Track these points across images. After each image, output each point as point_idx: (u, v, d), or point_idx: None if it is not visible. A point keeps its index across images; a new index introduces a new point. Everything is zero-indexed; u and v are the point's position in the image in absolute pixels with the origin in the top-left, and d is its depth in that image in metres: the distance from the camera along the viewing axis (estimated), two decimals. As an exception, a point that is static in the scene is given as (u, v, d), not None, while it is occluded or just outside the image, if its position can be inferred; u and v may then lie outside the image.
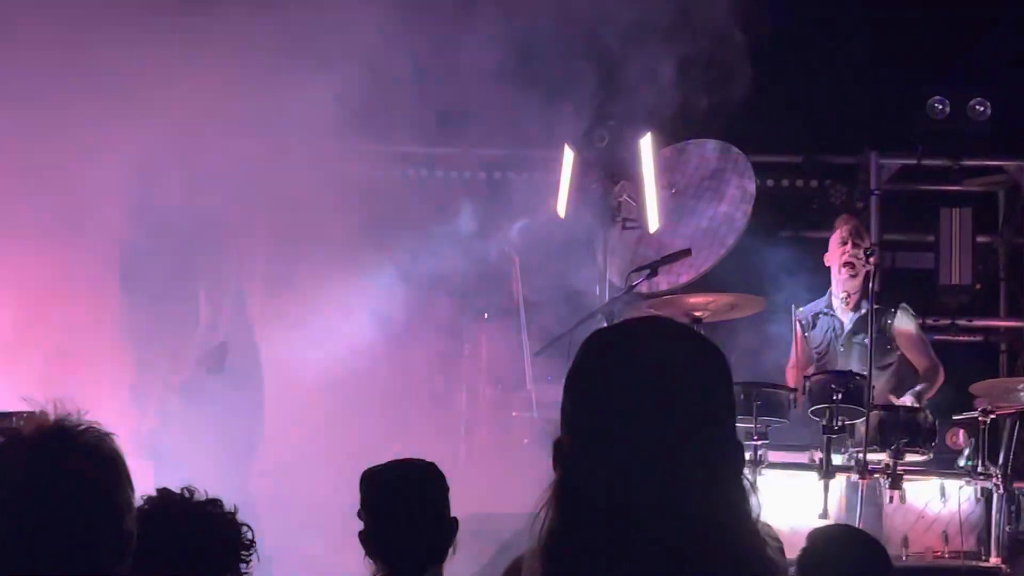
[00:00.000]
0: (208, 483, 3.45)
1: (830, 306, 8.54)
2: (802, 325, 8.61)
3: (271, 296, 9.48)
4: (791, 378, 8.49)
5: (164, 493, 3.29)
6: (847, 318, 8.47)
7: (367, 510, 4.13)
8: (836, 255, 8.45)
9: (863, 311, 8.29)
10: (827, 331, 8.53)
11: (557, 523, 2.10)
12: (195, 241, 8.28)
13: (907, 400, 8.14)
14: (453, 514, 4.18)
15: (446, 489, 4.15)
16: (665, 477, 2.06)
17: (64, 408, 2.54)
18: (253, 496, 8.24)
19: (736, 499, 2.09)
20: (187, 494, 3.28)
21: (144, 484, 2.88)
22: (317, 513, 7.49)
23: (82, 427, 2.54)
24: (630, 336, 2.20)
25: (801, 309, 8.64)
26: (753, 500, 2.11)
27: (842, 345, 8.46)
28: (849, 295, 8.44)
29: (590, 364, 2.16)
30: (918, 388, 8.27)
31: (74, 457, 2.50)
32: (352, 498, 4.23)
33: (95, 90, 7.96)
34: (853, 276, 8.38)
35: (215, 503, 3.29)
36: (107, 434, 2.56)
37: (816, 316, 8.58)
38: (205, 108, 8.07)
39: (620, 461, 2.06)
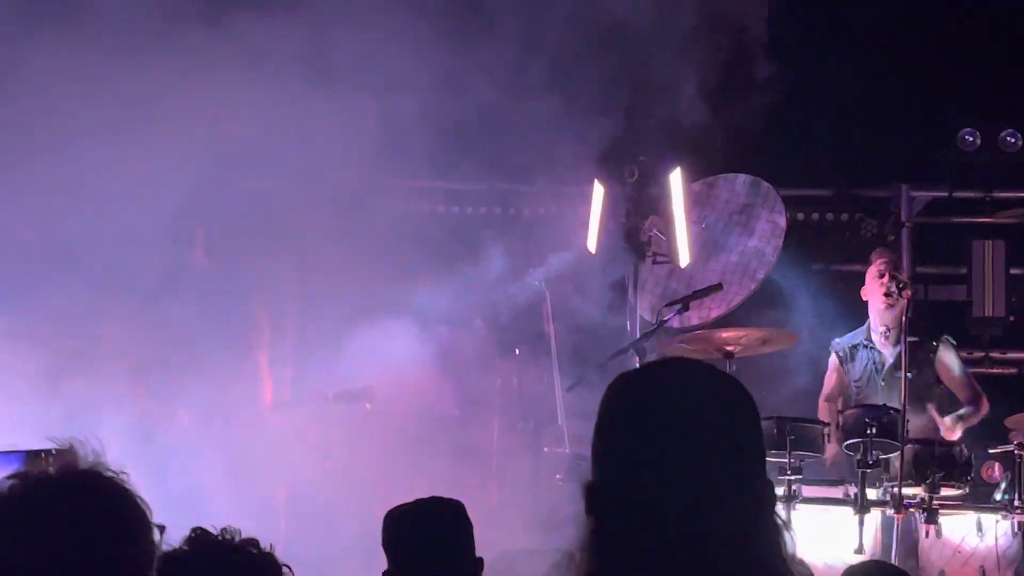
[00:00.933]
0: (239, 522, 3.44)
1: (869, 339, 8.50)
2: (839, 357, 8.58)
3: (302, 332, 9.50)
4: (824, 411, 8.45)
5: (201, 535, 3.25)
6: (888, 352, 8.42)
7: (390, 549, 4.11)
8: (874, 288, 8.41)
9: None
10: (867, 364, 8.49)
11: (592, 566, 2.09)
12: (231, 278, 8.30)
13: (948, 421, 8.08)
14: (483, 552, 4.16)
15: (470, 529, 4.13)
16: (698, 517, 2.06)
17: (88, 448, 2.54)
18: (281, 534, 8.26)
19: (770, 536, 2.09)
20: (226, 535, 3.24)
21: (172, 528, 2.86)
22: (344, 550, 7.47)
23: (101, 469, 2.54)
24: (657, 378, 2.22)
25: (838, 340, 8.62)
26: (787, 536, 2.10)
27: (883, 379, 8.41)
28: (888, 328, 8.40)
29: (619, 407, 2.17)
30: (961, 411, 8.23)
31: (94, 499, 2.50)
32: (379, 534, 4.22)
33: (119, 127, 8.02)
34: (891, 307, 8.34)
35: (253, 543, 3.26)
36: (122, 474, 2.56)
37: (855, 348, 8.55)
38: (233, 146, 8.12)
39: (653, 503, 2.07)
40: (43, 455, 3.69)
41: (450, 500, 4.18)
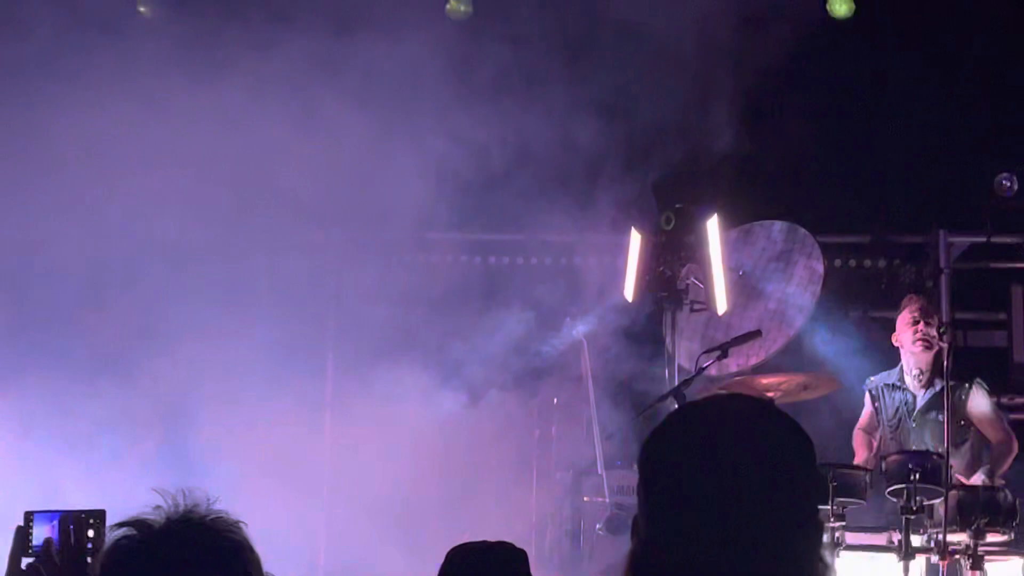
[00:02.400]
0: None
1: (902, 380, 8.49)
2: (872, 395, 8.58)
3: (339, 383, 9.53)
4: (859, 439, 8.47)
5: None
6: (920, 394, 8.41)
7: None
8: (907, 334, 8.40)
9: (937, 388, 8.23)
10: (899, 405, 8.48)
11: None
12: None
13: (978, 480, 8.04)
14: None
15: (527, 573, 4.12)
16: (742, 555, 2.03)
17: (192, 497, 2.51)
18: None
19: None
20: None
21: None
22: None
23: (211, 516, 2.51)
24: (713, 412, 2.18)
25: (872, 379, 8.64)
26: (833, 577, 2.10)
27: (914, 420, 8.39)
28: (923, 372, 8.38)
29: (671, 439, 2.14)
30: (989, 466, 8.17)
31: (203, 548, 2.47)
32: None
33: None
34: (927, 350, 8.32)
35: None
36: (236, 523, 2.53)
37: (887, 388, 8.54)
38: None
39: (697, 538, 2.04)
40: (82, 516, 3.69)
41: (517, 548, 4.19)
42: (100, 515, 3.60)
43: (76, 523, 3.53)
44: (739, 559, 2.03)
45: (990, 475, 8.07)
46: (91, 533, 3.57)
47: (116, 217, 8.20)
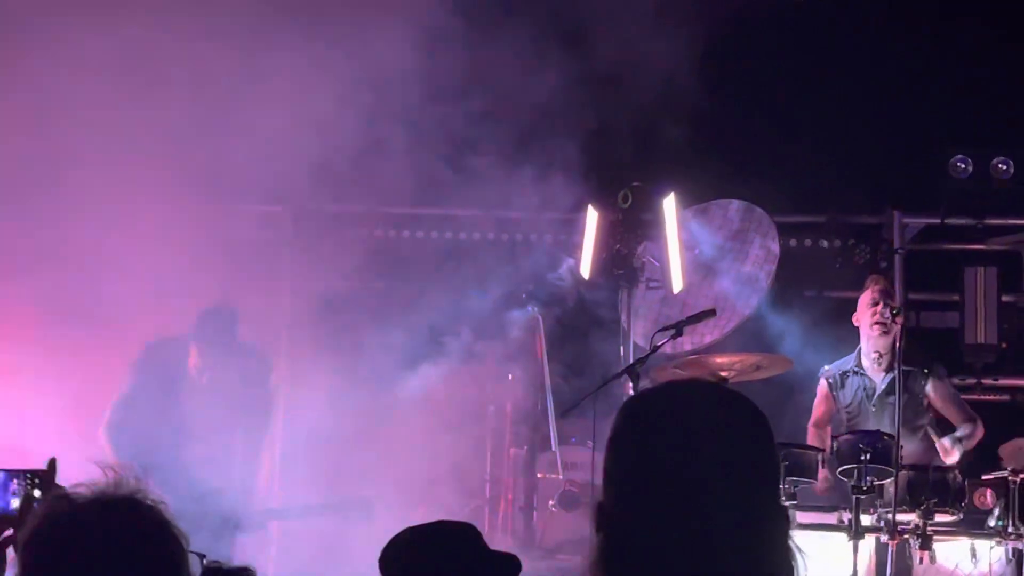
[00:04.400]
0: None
1: (860, 365, 8.51)
2: (830, 384, 8.59)
3: (292, 358, 9.50)
4: (812, 437, 8.48)
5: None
6: (879, 378, 8.44)
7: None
8: (866, 315, 8.43)
9: (896, 372, 8.27)
10: (858, 390, 8.50)
11: None
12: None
13: (947, 443, 8.09)
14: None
15: (483, 550, 3.96)
16: (711, 540, 2.05)
17: (130, 474, 2.57)
18: (270, 563, 8.24)
19: (782, 562, 2.08)
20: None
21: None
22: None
23: (137, 493, 2.56)
24: (674, 399, 2.20)
25: (828, 367, 8.63)
26: (800, 561, 2.10)
27: (874, 405, 8.43)
28: (881, 355, 8.42)
29: (634, 426, 2.15)
30: (959, 433, 8.23)
31: (133, 525, 2.52)
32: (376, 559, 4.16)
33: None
34: (884, 334, 8.37)
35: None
36: (160, 501, 2.58)
37: (845, 375, 8.56)
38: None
39: (666, 524, 2.05)
40: (25, 475, 3.66)
41: (466, 525, 4.04)
42: (45, 475, 3.58)
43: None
44: (708, 547, 2.05)
45: (957, 441, 8.12)
46: (37, 493, 3.56)
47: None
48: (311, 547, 8.29)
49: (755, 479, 2.11)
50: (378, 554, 3.87)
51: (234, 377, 7.67)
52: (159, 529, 2.55)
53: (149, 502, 2.56)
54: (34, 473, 3.62)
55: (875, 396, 8.44)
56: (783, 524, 2.12)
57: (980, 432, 8.35)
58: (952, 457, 8.12)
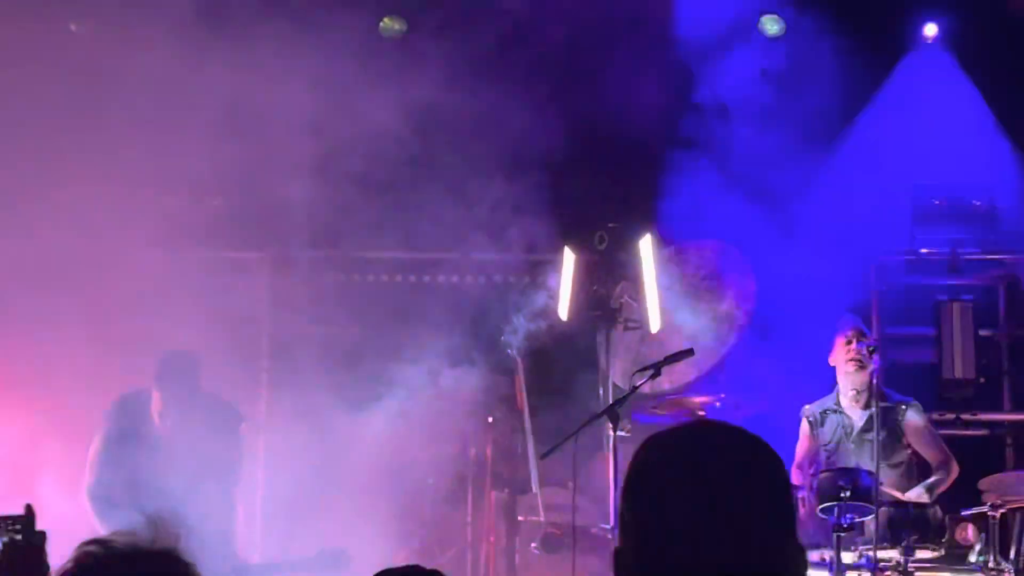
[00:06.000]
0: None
1: (839, 403, 8.55)
2: (810, 422, 8.62)
3: (272, 402, 9.48)
4: (795, 477, 8.47)
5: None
6: (857, 415, 8.48)
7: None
8: (841, 354, 8.48)
9: (874, 409, 8.29)
10: (837, 428, 8.54)
11: None
12: None
13: (917, 492, 8.09)
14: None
15: None
16: (725, 551, 2.08)
17: (172, 529, 2.54)
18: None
19: None
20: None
21: None
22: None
23: (178, 554, 2.53)
24: (689, 441, 2.21)
25: (808, 407, 8.66)
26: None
27: (852, 442, 8.46)
28: (858, 392, 8.46)
29: (651, 470, 2.17)
30: (930, 480, 8.25)
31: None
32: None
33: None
34: (861, 370, 8.40)
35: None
36: (193, 566, 2.55)
37: (824, 413, 8.59)
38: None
39: (685, 568, 2.07)
40: (6, 521, 3.64)
41: (432, 571, 4.05)
42: (24, 520, 3.56)
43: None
44: (722, 554, 2.07)
45: (929, 490, 8.13)
46: (19, 538, 3.53)
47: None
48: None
49: (775, 521, 2.12)
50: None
51: (198, 422, 7.56)
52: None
53: (186, 560, 2.52)
54: (14, 519, 3.61)
55: (854, 433, 8.47)
56: (801, 565, 2.16)
57: (953, 474, 8.36)
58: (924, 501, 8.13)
